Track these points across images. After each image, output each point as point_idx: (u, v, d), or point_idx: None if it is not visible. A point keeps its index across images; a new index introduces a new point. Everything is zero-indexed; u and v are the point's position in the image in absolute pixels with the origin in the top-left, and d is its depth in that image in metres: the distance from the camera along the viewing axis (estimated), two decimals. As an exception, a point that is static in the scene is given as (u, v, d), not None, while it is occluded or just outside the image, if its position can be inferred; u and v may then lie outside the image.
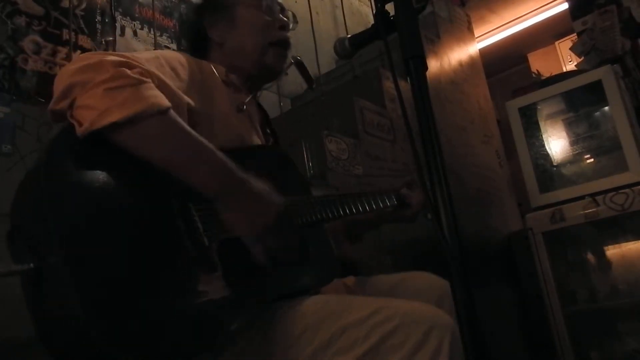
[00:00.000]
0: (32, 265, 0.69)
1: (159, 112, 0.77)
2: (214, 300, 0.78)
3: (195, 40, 1.21)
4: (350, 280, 1.17)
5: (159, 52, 1.00)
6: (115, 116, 0.73)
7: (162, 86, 0.85)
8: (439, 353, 0.77)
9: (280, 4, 1.21)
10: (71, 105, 0.76)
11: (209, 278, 0.79)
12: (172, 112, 0.80)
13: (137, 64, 0.81)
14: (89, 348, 0.67)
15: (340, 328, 0.81)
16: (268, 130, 1.26)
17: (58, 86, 0.77)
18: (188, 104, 0.93)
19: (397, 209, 1.31)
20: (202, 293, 0.77)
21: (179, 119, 0.81)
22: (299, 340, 0.82)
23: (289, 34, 1.20)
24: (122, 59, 0.80)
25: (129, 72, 0.77)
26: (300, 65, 1.23)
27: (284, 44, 1.17)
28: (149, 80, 0.80)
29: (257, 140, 1.12)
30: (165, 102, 0.80)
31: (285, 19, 1.19)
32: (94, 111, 0.73)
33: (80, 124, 0.74)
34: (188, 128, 0.82)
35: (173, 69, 0.96)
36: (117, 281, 0.69)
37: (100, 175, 0.74)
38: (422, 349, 0.77)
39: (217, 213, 0.83)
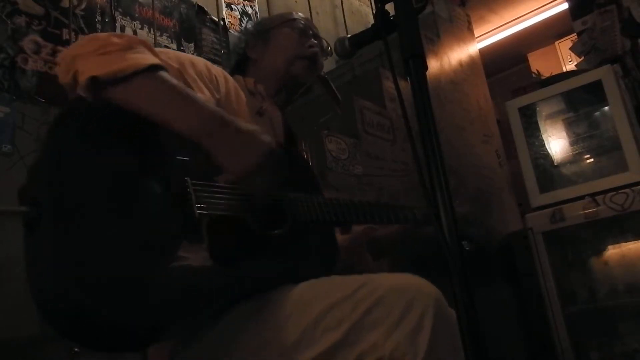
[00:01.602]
0: (37, 211, 0.74)
1: (141, 70, 0.84)
2: (194, 267, 0.80)
3: (238, 61, 1.37)
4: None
5: (205, 61, 1.13)
6: (95, 71, 0.81)
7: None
8: (422, 321, 0.78)
9: (315, 32, 1.34)
10: (74, 76, 0.84)
11: (192, 247, 0.82)
12: (160, 71, 0.87)
13: (126, 35, 0.92)
14: (71, 302, 0.71)
15: (327, 306, 0.83)
16: (289, 139, 1.31)
17: (62, 63, 0.87)
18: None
19: (420, 225, 1.30)
20: (182, 258, 0.80)
21: (165, 75, 0.87)
22: (288, 322, 0.84)
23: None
24: (112, 33, 0.88)
25: (117, 39, 0.87)
26: (325, 83, 1.29)
27: (311, 58, 1.29)
28: (137, 46, 0.88)
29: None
30: (149, 61, 0.86)
31: (315, 41, 1.31)
32: (85, 73, 0.83)
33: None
34: (174, 81, 0.88)
35: (180, 64, 1.03)
36: (103, 238, 0.75)
37: (101, 142, 0.83)
38: (405, 318, 0.78)
39: (214, 189, 0.87)
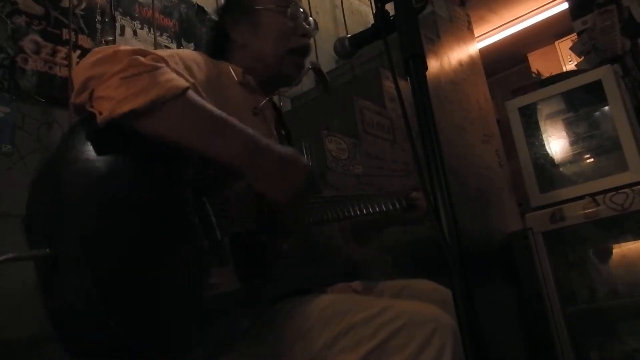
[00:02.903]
0: (47, 251, 0.69)
1: (177, 94, 0.78)
2: (227, 293, 0.79)
3: (216, 38, 1.23)
4: (357, 285, 1.18)
5: (175, 50, 1.04)
6: (134, 103, 0.74)
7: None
8: (442, 354, 0.78)
9: (304, 12, 1.22)
10: (90, 97, 0.76)
11: (221, 271, 0.80)
12: (190, 92, 0.81)
13: (149, 52, 0.83)
14: (103, 338, 0.68)
15: (347, 326, 0.82)
16: (283, 132, 1.28)
17: (76, 80, 0.78)
18: None
19: (406, 211, 1.31)
20: (214, 285, 0.78)
21: (198, 98, 0.82)
22: (306, 338, 0.83)
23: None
24: (134, 48, 0.81)
25: (142, 59, 0.78)
26: (318, 71, 1.26)
27: (303, 52, 1.19)
28: (163, 65, 0.81)
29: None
30: (182, 84, 0.80)
31: (307, 26, 1.21)
32: (113, 101, 0.74)
33: (100, 114, 0.75)
34: (208, 106, 0.82)
35: (187, 68, 0.97)
36: (132, 272, 0.70)
37: (117, 166, 0.75)
38: (425, 350, 0.78)
39: (230, 208, 0.84)
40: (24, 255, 0.70)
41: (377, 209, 1.19)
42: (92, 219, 0.69)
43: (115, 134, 0.76)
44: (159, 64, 0.80)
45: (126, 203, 0.73)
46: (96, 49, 0.83)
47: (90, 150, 0.74)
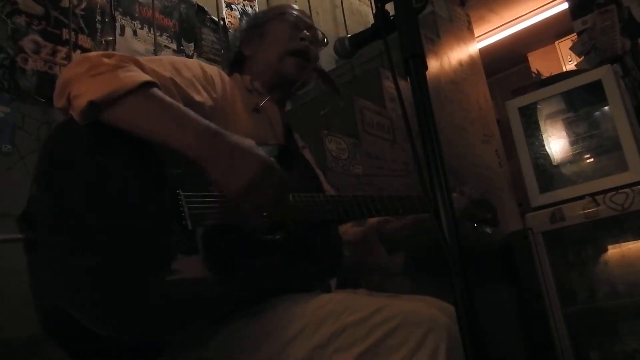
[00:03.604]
0: (29, 237, 0.75)
1: (134, 88, 0.84)
2: (187, 280, 0.80)
3: (234, 59, 1.37)
4: (361, 293, 1.18)
5: (195, 60, 1.15)
6: (91, 96, 0.81)
7: (151, 74, 0.92)
8: (436, 355, 0.78)
9: (308, 24, 1.31)
10: (68, 99, 0.84)
11: (187, 259, 0.82)
12: (152, 88, 0.87)
13: (116, 54, 0.91)
14: (73, 323, 0.71)
15: (341, 326, 0.82)
16: (289, 138, 1.31)
17: (56, 88, 0.87)
18: (194, 98, 1.01)
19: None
20: (175, 271, 0.80)
21: (158, 92, 0.87)
22: (299, 336, 0.83)
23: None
24: (103, 52, 0.90)
25: (107, 60, 0.87)
26: (322, 74, 1.27)
27: (303, 54, 1.25)
28: (128, 64, 0.88)
29: (272, 141, 1.16)
30: (141, 78, 0.86)
31: (307, 34, 1.28)
32: (79, 96, 0.82)
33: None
34: (167, 99, 0.87)
35: (175, 69, 1.02)
36: (101, 258, 0.75)
37: (95, 159, 0.83)
38: (420, 350, 0.78)
39: (206, 201, 0.87)
40: (10, 236, 0.75)
41: (401, 211, 1.18)
42: (65, 209, 0.76)
43: (96, 133, 0.84)
44: (123, 64, 0.87)
45: (99, 194, 0.79)
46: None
47: (70, 148, 0.83)
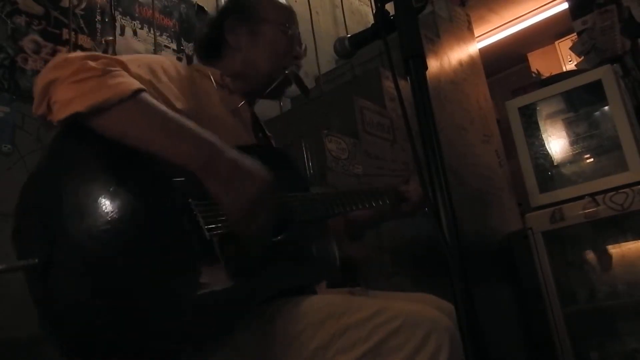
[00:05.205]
0: (36, 260, 0.71)
1: (125, 97, 0.78)
2: (217, 292, 0.79)
3: (209, 36, 1.21)
4: (358, 292, 1.17)
5: (140, 55, 1.04)
6: (77, 106, 0.75)
7: (136, 78, 0.86)
8: (438, 356, 0.78)
9: (300, 37, 1.24)
10: (48, 105, 0.77)
11: (212, 270, 0.80)
12: (144, 94, 0.81)
13: (102, 56, 0.83)
14: (97, 338, 0.70)
15: (342, 327, 0.82)
16: (260, 134, 1.26)
17: (35, 93, 0.79)
18: (174, 105, 0.94)
19: (396, 205, 1.30)
20: (204, 285, 0.78)
21: (151, 100, 0.81)
22: (300, 338, 0.83)
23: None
24: (87, 53, 0.81)
25: (92, 63, 0.79)
26: (295, 77, 1.25)
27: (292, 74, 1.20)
28: (115, 69, 0.81)
29: (251, 142, 1.13)
30: (132, 86, 0.80)
31: (300, 51, 1.23)
32: (60, 104, 0.76)
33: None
34: (161, 107, 0.82)
35: (152, 72, 0.95)
36: (127, 276, 0.72)
37: (107, 174, 0.78)
38: (421, 351, 0.78)
39: (217, 207, 0.83)
40: (14, 265, 0.73)
41: (367, 205, 1.19)
42: (89, 228, 0.71)
43: (100, 141, 0.78)
44: (110, 68, 0.80)
45: (120, 211, 0.74)
46: (52, 59, 0.83)
47: (86, 161, 0.78)
